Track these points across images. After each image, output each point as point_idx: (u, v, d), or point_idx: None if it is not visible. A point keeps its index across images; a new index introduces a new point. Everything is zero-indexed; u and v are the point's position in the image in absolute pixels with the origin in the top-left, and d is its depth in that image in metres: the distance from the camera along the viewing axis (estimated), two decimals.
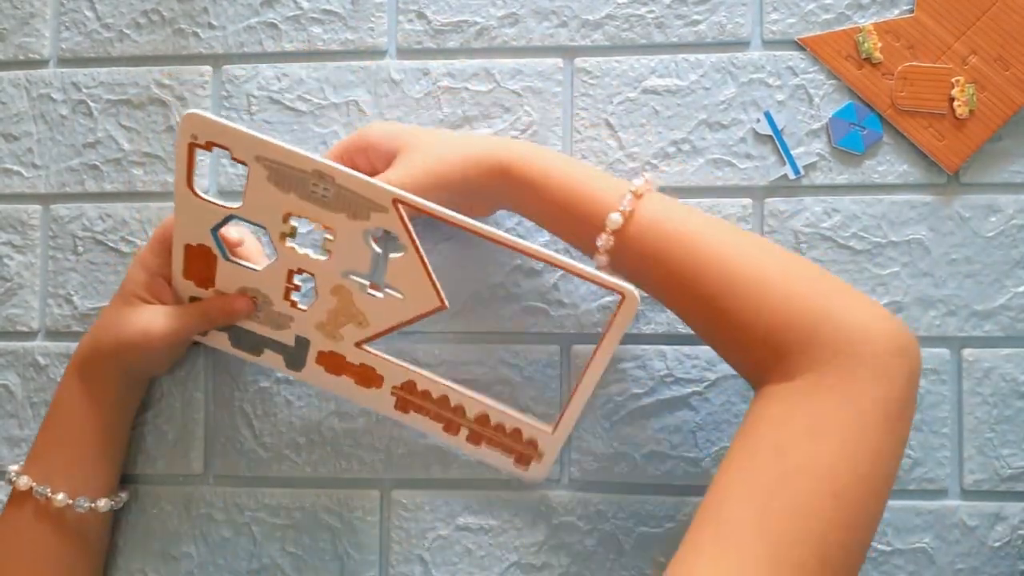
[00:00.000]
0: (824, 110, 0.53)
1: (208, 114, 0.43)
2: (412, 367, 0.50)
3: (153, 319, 0.49)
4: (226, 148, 0.43)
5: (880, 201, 0.53)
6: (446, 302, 0.46)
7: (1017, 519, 0.51)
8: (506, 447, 0.51)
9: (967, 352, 0.52)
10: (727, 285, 0.41)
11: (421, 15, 0.56)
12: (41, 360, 0.57)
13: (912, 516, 0.52)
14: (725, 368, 0.53)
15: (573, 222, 0.46)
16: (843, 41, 0.53)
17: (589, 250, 0.46)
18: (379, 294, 0.47)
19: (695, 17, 0.54)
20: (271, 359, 0.52)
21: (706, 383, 0.53)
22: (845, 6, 0.53)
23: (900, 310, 0.53)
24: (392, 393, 0.51)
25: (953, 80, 0.52)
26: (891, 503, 0.52)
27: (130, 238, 0.57)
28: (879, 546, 0.52)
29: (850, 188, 0.53)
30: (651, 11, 0.55)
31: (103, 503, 0.51)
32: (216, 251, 0.48)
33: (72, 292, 0.57)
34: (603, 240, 0.44)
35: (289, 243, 0.46)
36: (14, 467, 0.50)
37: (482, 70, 0.55)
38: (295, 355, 0.51)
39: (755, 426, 0.39)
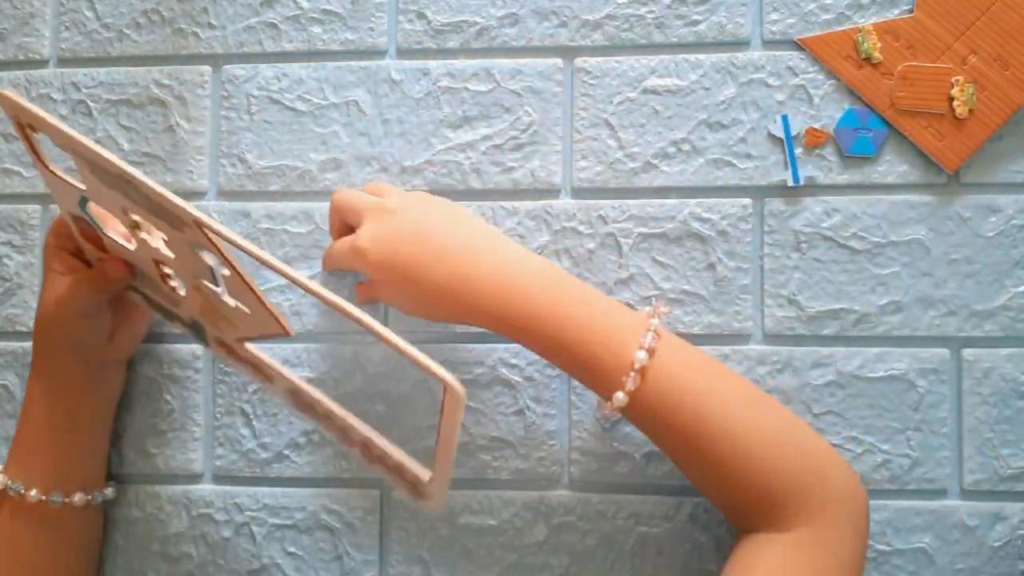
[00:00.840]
0: (824, 110, 0.53)
1: (19, 98, 0.40)
2: (294, 377, 0.44)
3: (57, 287, 0.49)
4: (47, 134, 0.41)
5: (880, 201, 0.53)
6: (289, 328, 0.42)
7: (1017, 519, 0.51)
8: (395, 475, 0.44)
9: (967, 352, 0.52)
10: (732, 448, 0.44)
11: (421, 15, 0.56)
12: None
13: (912, 516, 0.52)
14: None
15: (586, 371, 0.46)
16: (843, 41, 0.53)
17: (603, 393, 0.46)
18: (231, 302, 0.43)
19: (695, 17, 0.54)
20: (181, 328, 0.50)
21: None
22: (845, 6, 0.53)
23: (900, 310, 0.53)
24: (286, 393, 0.46)
25: (953, 80, 0.52)
26: (891, 503, 0.52)
27: None
28: (879, 546, 0.52)
29: (850, 188, 0.53)
30: (651, 11, 0.55)
31: (78, 498, 0.50)
32: (93, 226, 0.46)
33: None
34: (618, 401, 0.44)
35: (141, 235, 0.43)
36: None
37: (482, 70, 0.55)
38: (197, 332, 0.49)
39: (754, 571, 0.43)
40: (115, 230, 0.47)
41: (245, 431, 0.55)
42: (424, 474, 0.42)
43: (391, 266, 0.47)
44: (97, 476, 0.53)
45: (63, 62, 0.58)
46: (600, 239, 0.54)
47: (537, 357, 0.54)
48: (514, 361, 0.54)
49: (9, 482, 0.49)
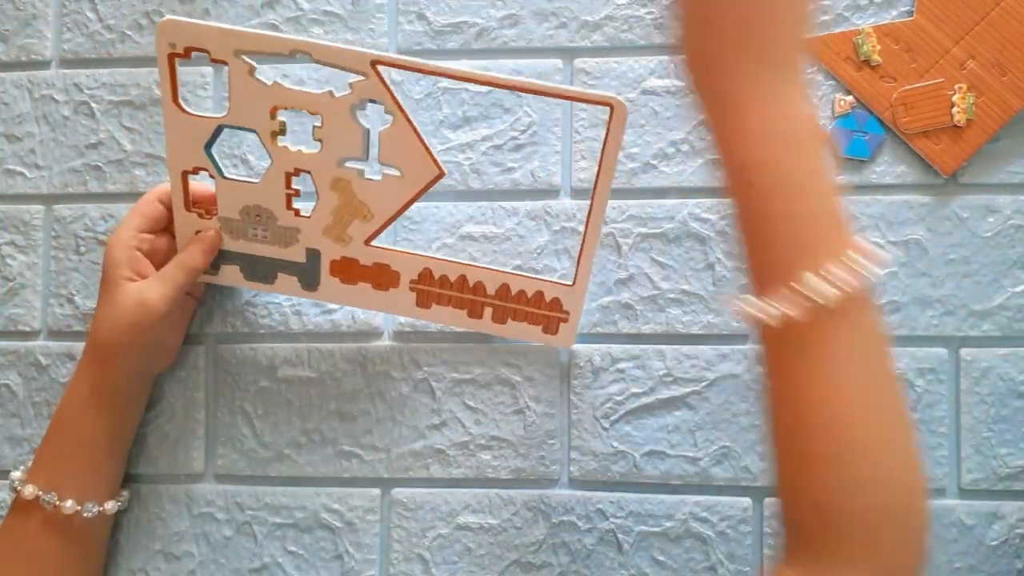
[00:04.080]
0: (822, 112, 0.54)
1: (181, 18, 0.44)
2: (424, 254, 0.50)
3: (144, 290, 0.49)
4: (204, 51, 0.44)
5: (878, 201, 0.53)
6: (443, 167, 0.46)
7: (1014, 518, 0.52)
8: (532, 317, 0.51)
9: (965, 352, 0.53)
10: (835, 440, 0.34)
11: (421, 16, 0.56)
12: (43, 360, 0.57)
13: None
14: (724, 368, 0.53)
15: (799, 217, 0.35)
16: (842, 43, 0.53)
17: (763, 287, 0.35)
18: (377, 176, 0.47)
19: None
20: (286, 284, 0.52)
21: (705, 383, 0.53)
22: (843, 7, 0.54)
23: (898, 310, 0.53)
24: (411, 289, 0.51)
25: (956, 87, 0.52)
26: None
27: None
28: None
29: (848, 188, 0.53)
30: (650, 12, 0.55)
31: (111, 505, 0.51)
32: (213, 169, 0.48)
33: (74, 292, 0.57)
34: (827, 276, 0.33)
35: (281, 142, 0.46)
36: (16, 474, 0.50)
37: (482, 70, 0.55)
38: (308, 272, 0.51)
39: None
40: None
41: (246, 430, 0.55)
42: (566, 283, 0.50)
43: None
44: (120, 481, 0.53)
45: (65, 63, 0.58)
46: (600, 238, 0.54)
47: (537, 357, 0.54)
48: (514, 361, 0.54)
49: (41, 493, 0.48)
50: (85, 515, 0.49)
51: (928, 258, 0.53)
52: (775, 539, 0.49)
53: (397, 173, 0.47)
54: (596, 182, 0.46)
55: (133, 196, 0.57)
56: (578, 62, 0.55)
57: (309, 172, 0.47)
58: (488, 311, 0.51)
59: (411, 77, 0.56)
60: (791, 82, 0.35)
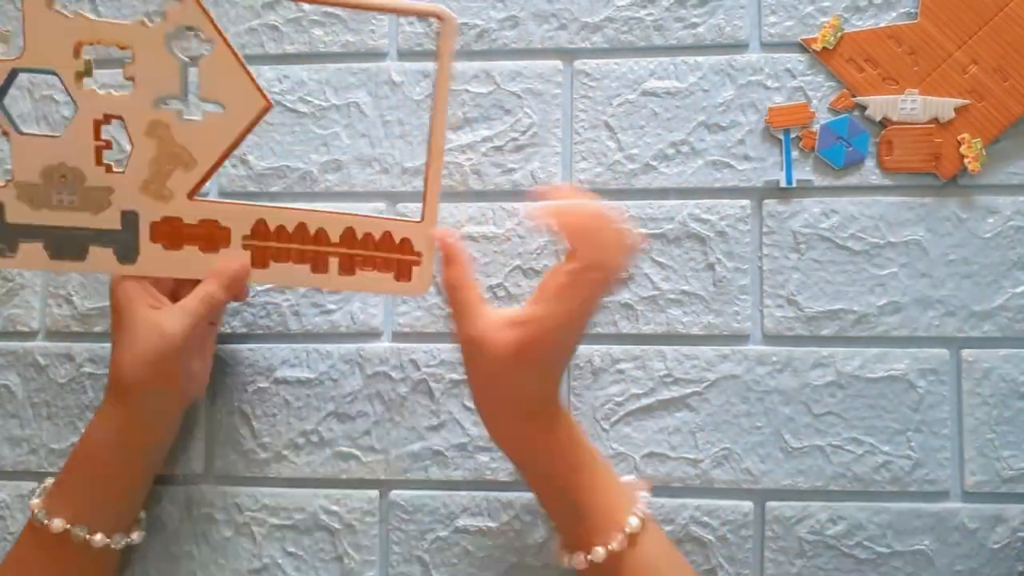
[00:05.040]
0: (822, 113, 0.54)
1: None
2: (256, 204, 0.45)
3: (161, 320, 0.46)
4: None
5: (878, 202, 0.53)
6: (269, 99, 0.42)
7: (1017, 521, 0.51)
8: (381, 263, 0.46)
9: (966, 353, 0.52)
10: None
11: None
12: (41, 360, 0.57)
13: (912, 518, 0.52)
14: (725, 368, 0.53)
15: (568, 515, 0.47)
16: (846, 45, 0.53)
17: (569, 544, 0.47)
18: (198, 116, 0.42)
19: (694, 20, 0.55)
20: (99, 259, 0.46)
21: (706, 383, 0.53)
22: (843, 9, 0.54)
23: (898, 311, 0.53)
24: (244, 247, 0.46)
25: (960, 137, 0.52)
26: (891, 505, 0.52)
27: None
28: (878, 548, 0.52)
29: (848, 189, 0.53)
30: (650, 14, 0.55)
31: (137, 536, 0.51)
32: (6, 123, 0.44)
33: (72, 292, 0.57)
34: (596, 554, 0.45)
35: (87, 84, 0.42)
36: (36, 501, 0.48)
37: (482, 72, 0.56)
38: (125, 241, 0.45)
39: None
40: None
41: (244, 431, 0.55)
42: (414, 220, 0.46)
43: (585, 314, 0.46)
44: (142, 506, 0.53)
45: None
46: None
47: None
48: None
49: (71, 526, 0.47)
50: (114, 547, 0.49)
51: (928, 259, 0.53)
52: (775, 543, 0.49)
53: (220, 110, 0.42)
54: (434, 99, 0.42)
55: None
56: (578, 64, 0.55)
57: (121, 118, 0.42)
58: (334, 262, 0.46)
59: (411, 77, 0.56)
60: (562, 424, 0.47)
